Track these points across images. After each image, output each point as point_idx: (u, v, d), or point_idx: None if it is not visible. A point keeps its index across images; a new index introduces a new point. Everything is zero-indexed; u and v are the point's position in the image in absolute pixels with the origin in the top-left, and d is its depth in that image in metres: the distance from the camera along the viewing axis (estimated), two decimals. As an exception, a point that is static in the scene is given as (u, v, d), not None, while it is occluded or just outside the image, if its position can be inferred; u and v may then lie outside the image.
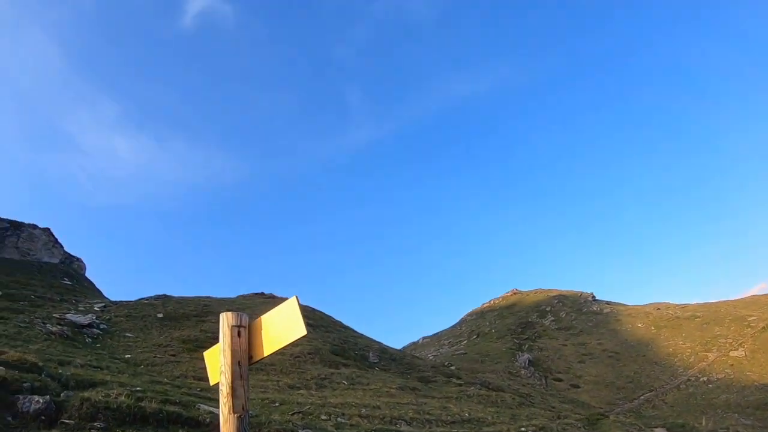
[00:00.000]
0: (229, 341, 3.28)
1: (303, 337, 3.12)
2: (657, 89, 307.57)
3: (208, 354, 3.87)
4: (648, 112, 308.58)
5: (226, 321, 3.35)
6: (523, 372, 59.40)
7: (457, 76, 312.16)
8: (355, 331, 47.97)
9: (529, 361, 62.74)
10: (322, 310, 49.55)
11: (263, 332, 3.30)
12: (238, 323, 3.34)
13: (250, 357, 3.32)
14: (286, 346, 3.22)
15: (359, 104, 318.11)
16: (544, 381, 57.96)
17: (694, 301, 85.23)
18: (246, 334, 3.34)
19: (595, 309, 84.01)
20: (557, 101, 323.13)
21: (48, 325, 24.80)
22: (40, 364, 13.62)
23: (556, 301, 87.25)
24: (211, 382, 3.68)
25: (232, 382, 3.19)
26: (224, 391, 3.20)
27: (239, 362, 3.25)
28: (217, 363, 3.39)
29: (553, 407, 37.29)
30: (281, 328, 3.19)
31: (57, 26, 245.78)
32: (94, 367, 18.54)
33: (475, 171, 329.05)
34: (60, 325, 25.54)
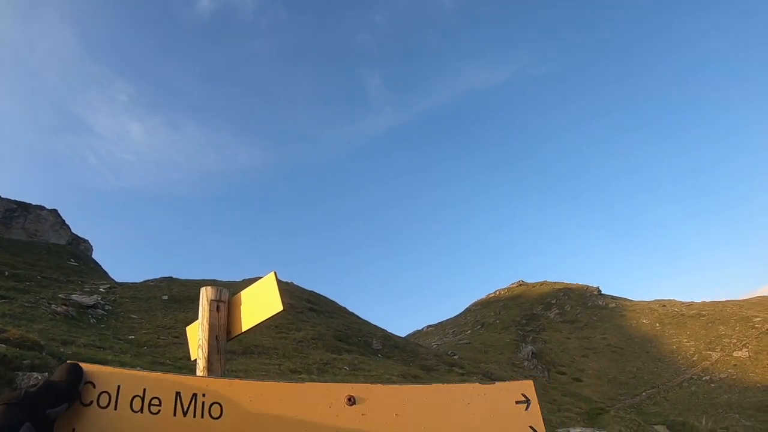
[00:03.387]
0: (208, 315, 3.23)
1: (280, 312, 3.08)
2: (670, 80, 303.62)
3: (190, 329, 3.80)
4: (662, 106, 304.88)
5: (205, 295, 3.28)
6: (526, 364, 59.43)
7: (475, 65, 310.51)
8: (360, 318, 48.08)
9: (533, 353, 62.74)
10: (327, 296, 49.71)
11: (242, 308, 3.26)
12: (218, 298, 3.28)
13: (229, 332, 3.27)
14: (263, 321, 3.17)
15: (378, 91, 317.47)
16: (546, 373, 57.94)
17: (700, 300, 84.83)
18: (225, 309, 3.29)
19: (600, 303, 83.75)
20: (572, 92, 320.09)
21: (53, 305, 25.00)
22: (42, 342, 13.74)
23: (561, 294, 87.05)
24: (192, 357, 3.63)
25: (209, 356, 3.14)
26: (200, 365, 3.15)
27: (217, 336, 3.19)
28: (197, 338, 3.34)
29: (554, 400, 37.24)
30: (259, 303, 3.15)
31: (72, 6, 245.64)
32: (97, 346, 18.70)
33: (488, 162, 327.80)
34: (65, 305, 25.74)
